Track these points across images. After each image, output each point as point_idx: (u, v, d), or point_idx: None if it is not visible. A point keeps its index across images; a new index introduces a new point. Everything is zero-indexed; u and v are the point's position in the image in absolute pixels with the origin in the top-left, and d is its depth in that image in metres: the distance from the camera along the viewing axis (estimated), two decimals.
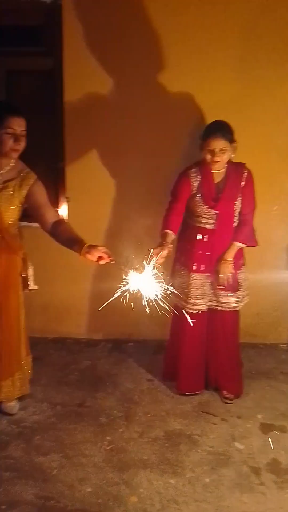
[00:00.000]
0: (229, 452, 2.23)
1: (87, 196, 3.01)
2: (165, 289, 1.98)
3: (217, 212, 2.41)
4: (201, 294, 2.49)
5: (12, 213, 2.19)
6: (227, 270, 2.45)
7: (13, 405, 2.43)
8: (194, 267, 2.47)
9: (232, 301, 2.50)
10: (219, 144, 2.30)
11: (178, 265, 2.56)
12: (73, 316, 3.23)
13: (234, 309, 2.52)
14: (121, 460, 2.17)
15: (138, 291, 1.95)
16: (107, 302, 1.92)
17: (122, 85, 2.85)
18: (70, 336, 3.23)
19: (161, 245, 2.18)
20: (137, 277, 1.96)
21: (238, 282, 2.50)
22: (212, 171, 2.40)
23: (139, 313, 1.95)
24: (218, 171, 2.41)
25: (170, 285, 1.98)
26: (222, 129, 2.32)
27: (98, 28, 2.78)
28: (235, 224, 2.47)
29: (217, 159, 2.32)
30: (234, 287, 2.48)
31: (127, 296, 1.93)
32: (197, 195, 2.42)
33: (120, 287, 1.94)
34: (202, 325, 2.54)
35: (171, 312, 2.58)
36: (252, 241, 2.54)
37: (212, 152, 2.31)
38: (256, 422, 2.44)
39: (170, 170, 2.73)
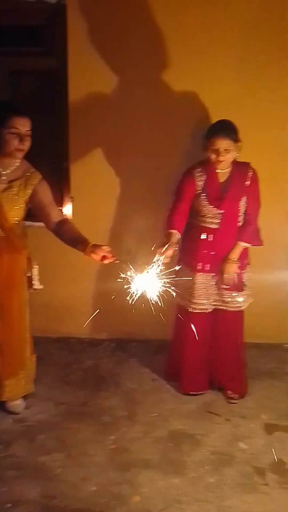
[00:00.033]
0: (232, 452, 2.23)
1: (91, 196, 3.02)
2: (169, 288, 1.98)
3: (222, 211, 2.41)
4: (205, 294, 2.49)
5: (17, 213, 2.19)
6: (232, 270, 2.44)
7: (18, 404, 2.44)
8: (199, 267, 2.47)
9: (237, 301, 2.50)
10: (223, 143, 2.29)
11: (183, 265, 2.56)
12: (76, 316, 3.22)
13: (238, 309, 2.52)
14: (124, 459, 2.17)
15: (142, 290, 1.96)
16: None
17: (126, 85, 2.85)
18: (72, 335, 3.23)
19: (166, 244, 2.18)
20: (141, 277, 1.96)
21: (243, 282, 2.50)
22: (217, 171, 2.40)
23: (143, 313, 1.96)
24: (223, 171, 2.40)
25: (174, 285, 1.98)
26: (226, 129, 2.32)
27: (102, 28, 2.78)
28: (239, 224, 2.47)
29: (221, 158, 2.32)
30: (239, 287, 2.48)
31: (132, 295, 1.94)
32: (202, 195, 2.42)
33: (124, 286, 1.95)
34: (206, 325, 2.54)
35: (175, 312, 2.59)
36: (256, 240, 2.54)
37: (217, 152, 2.31)
38: (260, 422, 2.43)
39: (173, 169, 2.73)
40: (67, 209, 3.02)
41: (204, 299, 2.50)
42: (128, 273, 1.95)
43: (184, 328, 2.56)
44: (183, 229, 2.43)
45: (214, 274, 2.48)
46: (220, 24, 2.72)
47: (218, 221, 2.43)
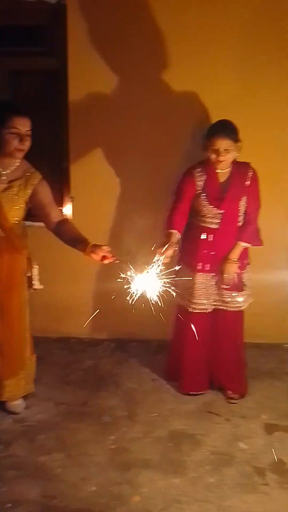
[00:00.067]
0: (232, 452, 2.23)
1: (91, 196, 3.02)
2: (169, 288, 1.98)
3: (222, 211, 2.41)
4: (205, 294, 2.49)
5: (17, 213, 2.19)
6: (232, 270, 2.44)
7: (18, 404, 2.44)
8: (199, 267, 2.47)
9: (237, 301, 2.50)
10: (223, 143, 2.30)
11: (183, 265, 2.56)
12: (76, 316, 3.22)
13: (238, 309, 2.52)
14: (124, 459, 2.17)
15: (142, 290, 1.96)
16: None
17: (126, 85, 2.85)
18: (72, 335, 3.23)
19: (166, 244, 2.18)
20: (141, 277, 1.96)
21: (243, 282, 2.50)
22: (217, 171, 2.40)
23: (142, 313, 1.96)
24: (223, 171, 2.40)
25: (174, 285, 1.98)
26: (226, 129, 2.32)
27: (102, 28, 2.78)
28: (240, 224, 2.47)
29: (221, 158, 2.32)
30: (239, 287, 2.48)
31: (132, 295, 1.94)
32: (202, 195, 2.42)
33: (124, 286, 1.95)
34: (206, 325, 2.54)
35: (175, 312, 2.59)
36: (257, 240, 2.54)
37: (217, 152, 2.31)
38: (260, 422, 2.43)
39: (173, 169, 2.73)
40: (67, 209, 3.02)
41: (204, 299, 2.50)
42: (128, 273, 1.95)
43: (184, 328, 2.56)
44: (183, 229, 2.43)
45: (214, 274, 2.48)
46: (220, 24, 2.72)
47: (218, 221, 2.43)
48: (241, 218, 2.46)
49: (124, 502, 1.94)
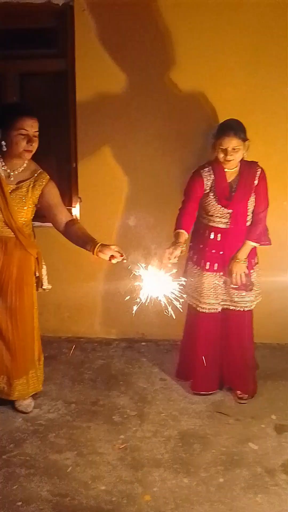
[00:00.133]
0: (243, 452, 2.22)
1: (99, 196, 3.03)
2: (178, 288, 1.98)
3: (230, 211, 2.40)
4: (214, 293, 2.49)
5: (25, 213, 2.21)
6: (240, 269, 2.43)
7: (28, 403, 2.46)
8: (207, 267, 2.47)
9: (246, 300, 2.49)
10: (232, 143, 2.29)
11: (191, 265, 2.56)
12: (86, 316, 3.25)
13: (247, 308, 2.51)
14: (134, 458, 2.17)
15: (151, 291, 1.96)
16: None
17: (134, 85, 2.86)
18: (83, 335, 3.25)
19: (174, 244, 2.18)
20: (150, 277, 1.97)
21: (252, 281, 2.49)
22: (225, 170, 2.39)
23: (153, 313, 1.96)
24: (231, 170, 2.40)
25: (183, 285, 1.98)
26: (234, 128, 2.31)
27: (109, 29, 2.79)
28: (248, 223, 2.46)
29: (230, 158, 2.31)
30: (248, 286, 2.46)
31: (142, 295, 1.94)
32: (210, 194, 2.41)
33: (134, 286, 1.95)
34: (216, 325, 2.54)
35: (185, 311, 2.59)
36: (265, 240, 2.53)
37: (225, 151, 2.31)
38: (270, 422, 2.42)
39: (182, 169, 2.74)
40: (75, 210, 3.04)
41: (213, 298, 2.49)
42: (137, 272, 1.95)
43: (195, 328, 2.55)
44: (191, 228, 2.42)
45: (222, 273, 2.48)
46: (231, 24, 2.71)
47: (226, 221, 2.43)
48: (249, 218, 2.45)
49: (135, 501, 1.94)
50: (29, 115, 2.09)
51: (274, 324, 3.10)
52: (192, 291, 2.50)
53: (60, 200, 2.26)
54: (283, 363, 2.96)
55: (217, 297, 2.49)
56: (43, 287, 2.38)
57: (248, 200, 2.41)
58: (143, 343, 3.18)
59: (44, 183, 2.21)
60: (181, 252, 2.16)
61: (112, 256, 2.01)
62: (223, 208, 2.40)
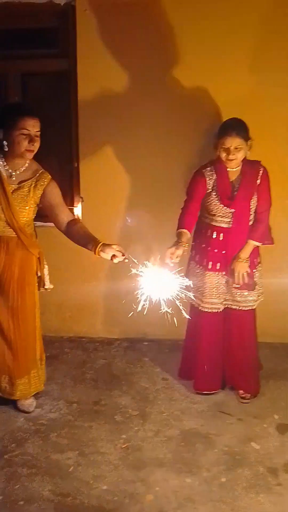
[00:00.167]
0: (245, 452, 2.21)
1: (101, 196, 3.03)
2: (180, 287, 1.98)
3: (232, 210, 2.40)
4: (216, 293, 2.48)
5: (27, 213, 2.21)
6: (242, 269, 2.43)
7: (29, 403, 2.46)
8: (209, 266, 2.46)
9: (248, 300, 2.48)
10: (234, 142, 2.28)
11: (193, 264, 2.56)
12: (88, 315, 3.25)
13: (249, 308, 2.51)
14: (136, 458, 2.17)
15: (153, 290, 1.96)
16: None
17: (136, 84, 2.86)
18: (85, 335, 3.25)
19: (176, 244, 2.18)
20: (152, 276, 1.97)
21: (254, 281, 2.48)
22: (227, 169, 2.39)
23: (154, 312, 1.96)
24: (233, 169, 2.39)
25: (186, 284, 1.98)
26: (237, 127, 2.31)
27: (111, 29, 2.79)
28: (250, 223, 2.45)
29: (232, 157, 2.31)
30: (250, 286, 2.46)
31: (143, 295, 1.94)
32: (213, 194, 2.41)
33: (136, 286, 1.95)
34: (219, 324, 2.53)
35: (188, 311, 2.58)
36: (268, 239, 2.52)
37: (227, 150, 2.30)
38: (273, 422, 2.41)
39: (184, 169, 2.73)
40: (77, 209, 3.04)
41: (215, 298, 2.49)
42: (139, 272, 1.95)
43: (197, 327, 2.55)
44: (193, 228, 2.42)
45: (224, 273, 2.47)
46: (235, 20, 2.70)
47: (228, 220, 2.42)
48: (252, 217, 2.45)
49: (137, 500, 1.94)
50: (30, 115, 2.09)
51: (277, 323, 3.10)
52: (195, 290, 2.49)
53: (62, 200, 2.26)
54: (285, 363, 2.96)
55: (219, 296, 2.49)
56: (45, 286, 2.38)
57: (251, 199, 2.40)
58: (145, 343, 3.17)
59: (45, 182, 2.21)
60: (183, 252, 2.15)
61: (113, 256, 2.01)
62: (225, 207, 2.40)
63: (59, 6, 2.80)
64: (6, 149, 2.11)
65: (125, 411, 2.49)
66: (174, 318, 2.01)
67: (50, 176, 2.23)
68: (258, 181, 2.40)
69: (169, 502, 1.93)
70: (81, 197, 3.03)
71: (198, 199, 2.43)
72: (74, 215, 2.48)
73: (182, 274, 2.06)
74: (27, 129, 2.07)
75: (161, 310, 1.98)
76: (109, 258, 2.02)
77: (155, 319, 1.99)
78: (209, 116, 2.80)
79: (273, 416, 2.45)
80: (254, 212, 2.44)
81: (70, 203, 2.97)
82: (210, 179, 2.41)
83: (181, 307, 1.99)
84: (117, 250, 2.01)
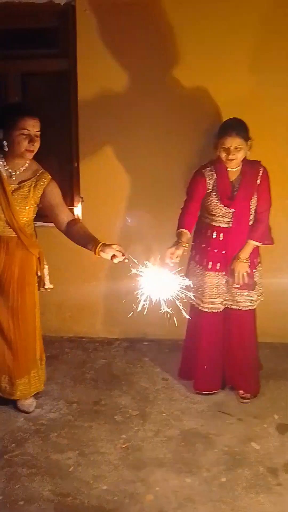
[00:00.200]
0: (245, 452, 2.21)
1: (101, 196, 3.03)
2: (180, 287, 1.98)
3: (232, 210, 2.40)
4: (216, 293, 2.48)
5: (27, 213, 2.21)
6: (242, 269, 2.43)
7: (30, 403, 2.46)
8: (209, 266, 2.46)
9: (248, 300, 2.48)
10: (234, 142, 2.28)
11: (193, 264, 2.56)
12: (88, 315, 3.25)
13: (249, 308, 2.51)
14: (136, 458, 2.17)
15: (153, 290, 1.96)
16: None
17: (135, 84, 2.86)
18: (85, 335, 3.25)
19: (176, 244, 2.18)
20: (152, 276, 1.97)
21: (254, 281, 2.48)
22: (227, 169, 2.39)
23: (154, 312, 1.96)
24: (233, 169, 2.39)
25: (186, 284, 1.98)
26: (237, 127, 2.31)
27: (111, 29, 2.79)
28: (250, 223, 2.45)
29: (232, 157, 2.31)
30: (250, 286, 2.46)
31: (143, 295, 1.94)
32: (213, 194, 2.41)
33: (136, 286, 1.95)
34: (219, 324, 2.53)
35: (188, 311, 2.59)
36: (268, 239, 2.52)
37: (227, 150, 2.30)
38: (273, 422, 2.41)
39: (184, 169, 2.73)
40: (77, 209, 3.04)
41: (215, 298, 2.49)
42: (139, 272, 1.95)
43: (197, 327, 2.55)
44: (193, 228, 2.42)
45: (224, 273, 2.47)
46: (233, 21, 2.70)
47: (228, 220, 2.42)
48: (252, 217, 2.45)
49: (137, 500, 1.94)
50: (31, 115, 2.09)
51: (277, 323, 3.10)
52: (195, 290, 2.49)
53: (62, 200, 2.26)
54: (285, 363, 2.96)
55: (219, 296, 2.49)
56: (45, 286, 2.38)
57: (251, 199, 2.40)
58: (145, 343, 3.17)
59: (45, 183, 2.21)
60: (183, 252, 2.15)
61: (113, 256, 2.01)
62: (225, 207, 2.40)
63: (59, 6, 2.80)
64: (6, 149, 2.11)
65: (125, 411, 2.49)
66: (174, 318, 2.01)
67: (50, 176, 2.23)
68: (258, 181, 2.40)
69: (169, 502, 1.94)
70: (81, 197, 3.04)
71: (198, 199, 2.43)
72: (74, 215, 2.49)
73: (182, 274, 2.06)
74: (27, 129, 2.07)
75: (161, 310, 1.98)
76: (109, 258, 2.02)
77: (155, 319, 1.99)
78: (209, 116, 2.80)
79: (273, 416, 2.46)
80: (254, 212, 2.44)
81: (70, 203, 2.98)
82: (210, 179, 2.41)
83: (181, 307, 1.99)
84: (117, 250, 2.01)
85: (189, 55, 2.78)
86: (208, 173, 2.41)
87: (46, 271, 2.37)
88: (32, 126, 2.08)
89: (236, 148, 2.30)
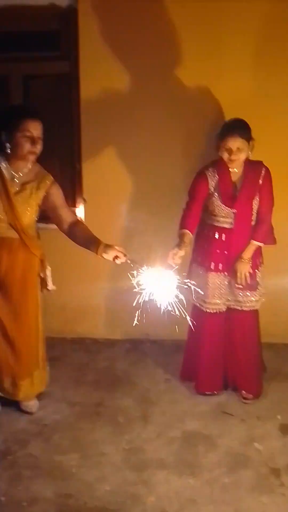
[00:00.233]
0: (248, 453, 2.21)
1: (103, 197, 3.04)
2: (183, 288, 1.98)
3: (234, 211, 2.40)
4: (218, 293, 2.48)
5: (30, 215, 2.22)
6: (245, 269, 2.43)
7: (32, 404, 2.47)
8: (212, 267, 2.47)
9: (250, 300, 2.48)
10: (236, 143, 2.29)
11: (196, 265, 2.56)
12: (91, 317, 3.25)
13: (252, 308, 2.50)
14: (139, 459, 2.17)
15: (156, 291, 1.96)
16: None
17: (138, 86, 2.87)
18: (88, 336, 3.25)
19: (178, 245, 2.18)
20: (154, 277, 1.97)
21: (256, 281, 2.48)
22: (230, 170, 2.39)
23: (157, 313, 1.96)
24: (236, 170, 2.39)
25: (188, 284, 1.98)
26: (239, 128, 2.32)
27: (113, 31, 2.80)
28: (253, 223, 2.45)
29: (234, 158, 2.31)
30: (252, 286, 2.46)
31: (145, 296, 1.94)
32: (215, 194, 2.41)
33: (137, 287, 1.95)
34: (221, 324, 2.53)
35: (190, 312, 2.58)
36: (270, 239, 2.52)
37: (229, 151, 2.31)
38: (276, 423, 2.41)
39: (186, 170, 2.74)
40: (80, 211, 3.05)
41: (217, 298, 2.49)
42: (141, 273, 1.95)
43: (199, 328, 2.55)
44: (195, 229, 2.42)
45: (226, 273, 2.47)
46: (237, 20, 2.70)
47: (231, 221, 2.42)
48: (254, 217, 2.45)
49: (139, 502, 1.94)
50: (33, 117, 2.10)
51: (279, 324, 3.10)
52: (197, 291, 2.49)
53: (64, 202, 2.27)
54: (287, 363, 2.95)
55: (221, 297, 2.49)
56: (48, 288, 2.39)
57: (253, 200, 2.41)
58: (147, 344, 3.17)
59: (48, 184, 2.22)
60: (186, 253, 2.16)
61: (116, 257, 2.02)
62: (227, 208, 2.40)
63: (61, 9, 2.81)
64: (9, 151, 2.12)
65: (127, 413, 2.49)
66: (177, 319, 2.01)
67: (52, 178, 2.24)
68: (260, 182, 2.40)
69: (171, 504, 1.93)
70: (84, 199, 3.04)
71: (200, 199, 2.43)
72: (76, 216, 2.49)
73: (184, 274, 2.06)
74: (30, 132, 2.08)
75: (163, 311, 1.98)
76: (111, 259, 2.03)
77: (158, 320, 1.99)
78: (211, 117, 2.80)
79: (276, 417, 2.45)
80: (257, 212, 2.44)
81: (72, 204, 2.98)
82: (212, 180, 2.41)
83: (183, 308, 1.99)
84: (119, 251, 2.01)
85: (190, 56, 2.78)
86: (210, 174, 2.41)
87: (48, 272, 2.38)
88: (35, 129, 2.09)
89: (238, 149, 2.30)
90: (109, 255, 2.02)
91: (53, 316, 3.13)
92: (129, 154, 2.97)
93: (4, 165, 2.17)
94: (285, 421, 2.42)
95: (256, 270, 2.48)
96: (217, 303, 2.49)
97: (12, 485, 2.01)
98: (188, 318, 2.06)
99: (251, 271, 2.44)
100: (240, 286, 2.45)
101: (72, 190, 3.01)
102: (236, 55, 2.75)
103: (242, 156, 2.33)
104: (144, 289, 1.95)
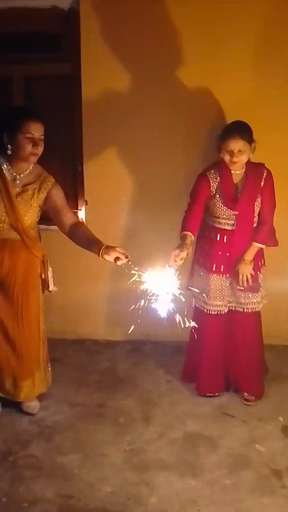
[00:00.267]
0: (249, 454, 2.21)
1: (105, 199, 3.04)
2: (184, 290, 1.99)
3: (236, 212, 2.40)
4: (220, 295, 2.49)
5: (31, 216, 2.23)
6: (246, 271, 2.43)
7: (34, 405, 2.47)
8: (213, 268, 2.47)
9: (252, 302, 2.48)
10: (237, 144, 2.29)
11: (197, 266, 2.56)
12: (92, 318, 3.25)
13: (253, 309, 2.51)
14: (140, 460, 2.17)
15: (157, 292, 1.97)
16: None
17: (139, 88, 2.87)
18: (89, 337, 3.25)
19: (180, 246, 2.18)
20: (156, 279, 1.98)
21: (258, 283, 2.48)
22: (231, 172, 2.39)
23: (158, 314, 1.96)
24: (237, 172, 2.40)
25: (190, 286, 1.98)
26: (240, 130, 2.32)
27: (114, 32, 2.81)
28: (254, 225, 2.45)
29: (235, 159, 2.31)
30: (254, 288, 2.46)
31: (147, 297, 1.95)
32: (216, 196, 2.42)
33: (139, 288, 1.96)
34: (222, 326, 2.53)
35: (192, 313, 2.59)
36: (272, 241, 2.52)
37: (231, 153, 2.31)
38: (277, 424, 2.41)
39: (188, 171, 2.74)
40: (81, 212, 3.05)
41: (219, 300, 2.49)
42: (143, 274, 1.96)
43: (201, 329, 2.55)
44: (197, 230, 2.43)
45: (228, 275, 2.47)
46: (237, 22, 2.70)
47: (232, 222, 2.43)
48: (255, 219, 2.45)
49: (140, 503, 1.94)
50: (35, 119, 2.11)
51: (281, 325, 3.10)
52: (198, 293, 2.49)
53: (66, 203, 2.27)
54: None
55: (223, 298, 2.49)
56: (49, 289, 2.39)
57: (254, 201, 2.41)
58: (148, 345, 3.18)
59: (49, 186, 2.22)
60: (187, 254, 2.16)
61: (117, 258, 2.02)
62: (229, 209, 2.40)
63: (63, 11, 2.82)
64: (10, 153, 2.13)
65: (129, 414, 2.49)
66: (178, 320, 2.02)
67: (53, 179, 2.25)
68: (262, 183, 2.40)
69: (172, 505, 1.94)
70: (86, 200, 3.05)
71: (202, 201, 2.43)
72: (77, 218, 2.50)
73: (186, 276, 2.06)
74: (31, 133, 2.09)
75: (164, 312, 1.98)
76: (113, 260, 2.03)
77: (159, 321, 1.99)
78: (213, 119, 2.81)
79: (278, 418, 2.45)
80: (258, 214, 2.44)
81: (74, 206, 2.99)
82: (213, 181, 2.41)
83: (184, 309, 2.00)
84: (121, 253, 2.02)
85: (192, 58, 2.79)
86: (212, 176, 2.41)
87: (50, 273, 2.38)
88: (36, 130, 2.10)
89: (240, 151, 2.30)
90: (110, 257, 2.03)
91: (54, 317, 3.13)
92: (131, 155, 2.97)
93: (6, 167, 2.17)
94: (287, 423, 2.42)
95: (258, 272, 2.48)
96: (218, 304, 2.50)
97: (13, 486, 2.01)
98: (189, 320, 2.07)
99: (252, 272, 2.45)
100: (242, 288, 2.45)
101: (74, 192, 3.02)
102: (236, 55, 2.75)
103: (243, 158, 2.33)
104: (145, 290, 1.95)
